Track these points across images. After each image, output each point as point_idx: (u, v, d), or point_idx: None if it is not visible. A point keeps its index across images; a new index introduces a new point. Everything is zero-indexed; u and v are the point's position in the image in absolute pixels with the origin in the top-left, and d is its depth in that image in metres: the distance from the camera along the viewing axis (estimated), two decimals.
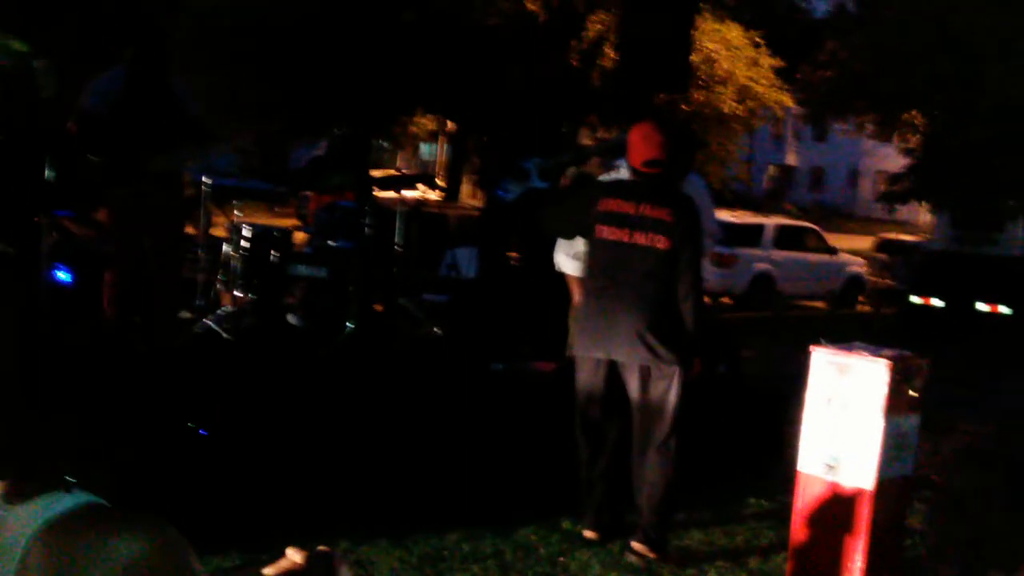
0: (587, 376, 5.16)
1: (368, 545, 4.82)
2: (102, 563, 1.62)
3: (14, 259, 6.51)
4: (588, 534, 5.20)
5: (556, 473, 5.46)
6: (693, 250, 4.96)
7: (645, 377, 4.99)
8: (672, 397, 4.98)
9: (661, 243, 4.91)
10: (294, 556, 1.83)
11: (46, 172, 6.36)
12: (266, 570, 1.83)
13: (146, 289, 6.37)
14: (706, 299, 9.31)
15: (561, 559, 4.97)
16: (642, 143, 5.02)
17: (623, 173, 5.29)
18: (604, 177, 5.54)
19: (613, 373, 5.08)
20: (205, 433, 5.01)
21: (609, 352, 5.04)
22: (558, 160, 7.17)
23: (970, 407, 9.11)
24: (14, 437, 1.77)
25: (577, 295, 5.60)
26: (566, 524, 5.35)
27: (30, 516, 1.70)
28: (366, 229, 7.18)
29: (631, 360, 4.99)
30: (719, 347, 7.40)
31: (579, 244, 5.38)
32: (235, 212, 7.44)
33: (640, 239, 4.94)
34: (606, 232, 5.02)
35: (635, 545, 5.02)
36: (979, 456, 7.34)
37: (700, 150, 25.58)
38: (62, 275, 7.15)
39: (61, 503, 1.70)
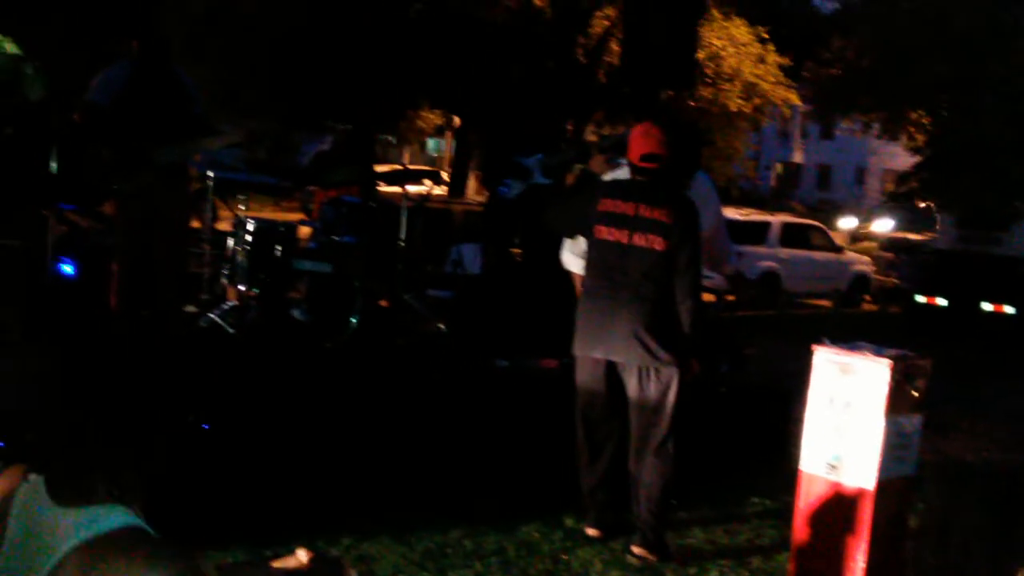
0: (587, 376, 5.16)
1: (370, 541, 4.82)
2: None
3: (20, 252, 6.53)
4: (590, 532, 5.21)
5: (559, 470, 5.46)
6: (691, 252, 4.94)
7: (642, 378, 4.98)
8: (670, 399, 4.97)
9: (658, 244, 4.90)
10: (302, 557, 1.84)
11: (52, 165, 6.38)
12: (274, 564, 1.85)
13: (151, 283, 6.38)
14: (711, 297, 9.31)
15: (563, 557, 4.98)
16: (640, 139, 5.02)
17: (625, 171, 5.28)
18: (608, 175, 5.52)
19: (612, 373, 5.08)
20: (207, 427, 5.02)
21: (607, 352, 5.04)
22: (561, 157, 7.17)
23: (973, 407, 9.10)
24: (61, 433, 1.77)
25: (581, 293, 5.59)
26: (569, 521, 5.35)
27: (71, 527, 1.70)
28: (370, 224, 7.19)
29: (628, 361, 4.99)
30: (722, 345, 7.41)
31: (584, 242, 5.37)
32: (240, 206, 7.45)
33: (639, 240, 4.93)
34: (605, 232, 5.02)
35: (635, 549, 5.02)
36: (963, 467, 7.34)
37: (706, 147, 25.55)
38: (67, 268, 7.18)
39: (102, 521, 1.71)
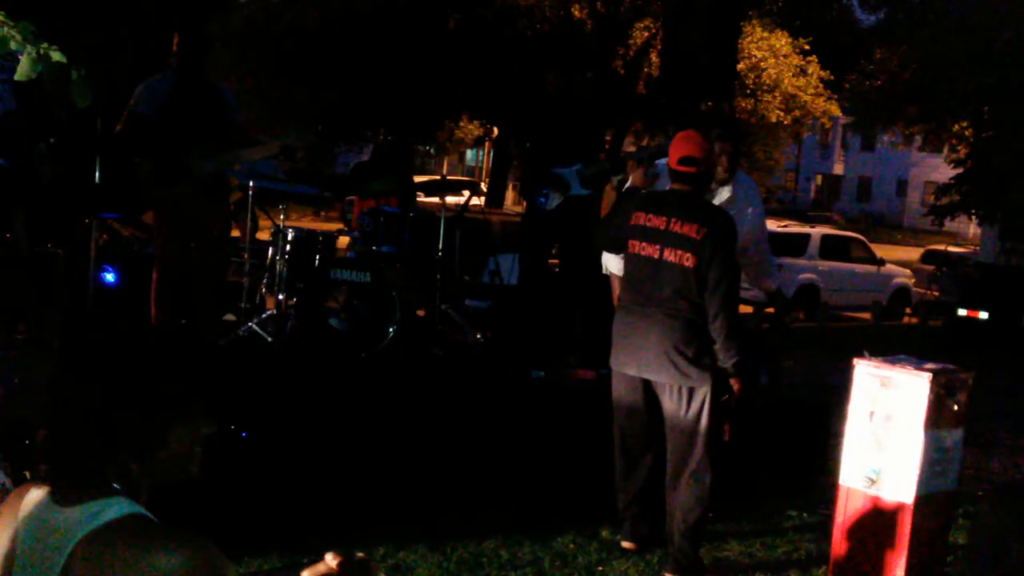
0: (623, 390, 5.12)
1: (406, 550, 4.84)
2: None
3: (63, 260, 6.61)
4: (626, 544, 5.18)
5: (596, 481, 5.45)
6: (722, 268, 4.77)
7: (676, 397, 4.89)
8: (703, 420, 4.85)
9: (688, 261, 4.78)
10: (331, 561, 1.85)
11: (95, 175, 6.46)
12: (304, 572, 1.86)
13: (191, 292, 6.43)
14: (748, 308, 9.25)
15: (599, 568, 4.97)
16: (680, 143, 4.94)
17: (666, 182, 5.25)
18: (649, 187, 5.49)
19: (648, 389, 5.01)
20: (246, 435, 5.05)
21: (640, 370, 4.98)
22: (599, 167, 7.14)
23: (1015, 421, 8.99)
24: (62, 439, 1.80)
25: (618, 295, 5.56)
26: (605, 533, 5.34)
27: (76, 522, 1.73)
28: (409, 234, 7.21)
29: (660, 379, 4.92)
30: (760, 357, 7.35)
31: None
32: (279, 216, 7.50)
33: (669, 256, 4.83)
34: (638, 247, 4.96)
35: (668, 575, 4.96)
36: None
37: (744, 157, 25.41)
38: (109, 276, 7.25)
39: (107, 512, 1.74)
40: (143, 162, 6.17)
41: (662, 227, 4.87)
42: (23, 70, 3.28)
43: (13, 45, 3.25)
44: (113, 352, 1.85)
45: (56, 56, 3.23)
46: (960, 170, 22.49)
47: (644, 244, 4.92)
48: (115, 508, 1.74)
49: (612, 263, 5.71)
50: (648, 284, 4.91)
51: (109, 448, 1.79)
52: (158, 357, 1.87)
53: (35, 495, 1.80)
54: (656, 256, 4.87)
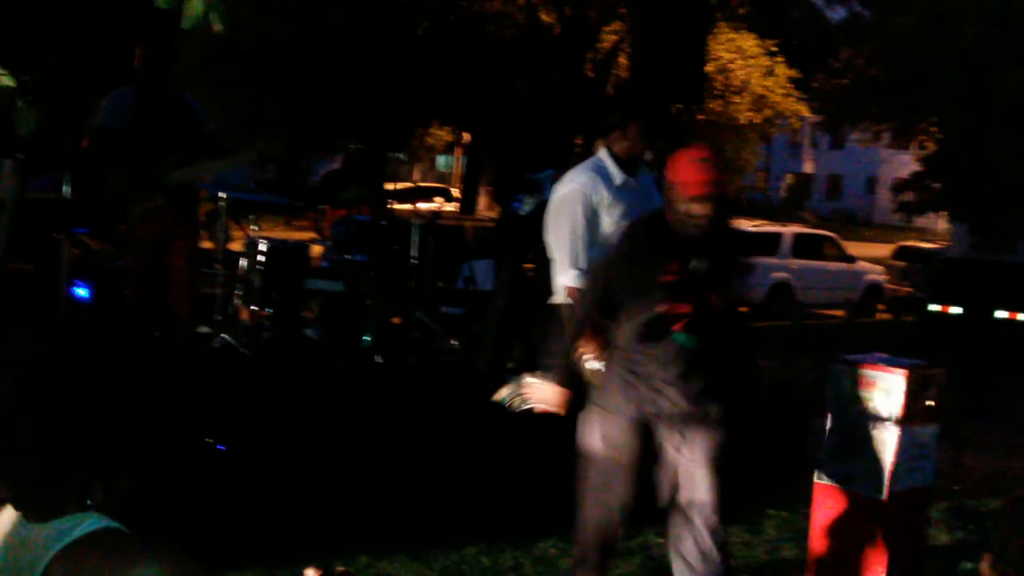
0: (617, 433, 4.26)
1: (387, 560, 4.83)
2: None
3: (34, 276, 6.56)
4: None
5: (574, 486, 5.44)
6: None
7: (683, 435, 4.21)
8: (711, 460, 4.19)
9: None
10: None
11: (64, 189, 6.41)
12: None
13: (164, 305, 6.39)
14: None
15: None
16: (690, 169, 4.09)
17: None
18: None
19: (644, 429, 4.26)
20: (223, 448, 5.02)
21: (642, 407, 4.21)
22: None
23: (988, 416, 9.07)
24: (35, 458, 1.79)
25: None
26: None
27: (50, 538, 1.72)
28: (382, 242, 7.20)
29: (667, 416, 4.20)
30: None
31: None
32: (252, 226, 7.47)
33: None
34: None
35: None
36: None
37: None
38: (81, 291, 7.20)
39: (80, 526, 1.73)
40: (112, 175, 6.13)
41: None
42: None
43: None
44: (70, 376, 1.84)
45: (5, 80, 3.19)
46: (921, 168, 22.60)
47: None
48: (88, 523, 1.73)
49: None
50: None
51: (64, 473, 1.78)
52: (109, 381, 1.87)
53: (9, 513, 1.79)
54: None
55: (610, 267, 4.34)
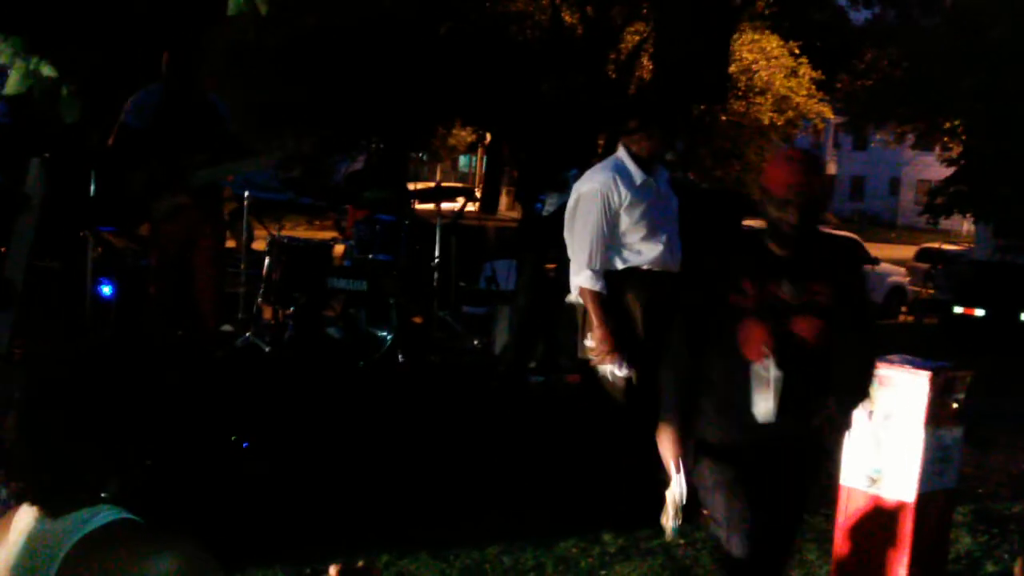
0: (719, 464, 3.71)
1: (409, 558, 4.83)
2: None
3: (60, 273, 6.60)
4: None
5: (597, 485, 5.44)
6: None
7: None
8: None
9: None
10: (332, 573, 1.85)
11: (90, 188, 6.46)
12: None
13: (187, 303, 6.42)
14: None
15: (602, 572, 4.96)
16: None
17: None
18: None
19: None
20: (247, 446, 5.05)
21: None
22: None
23: (1012, 419, 9.00)
24: (51, 452, 1.80)
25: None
26: (607, 537, 5.33)
27: (66, 531, 1.73)
28: (404, 242, 7.22)
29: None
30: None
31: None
32: (274, 226, 7.50)
33: None
34: None
35: None
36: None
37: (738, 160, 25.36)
38: (106, 289, 7.25)
39: (96, 519, 1.74)
40: (137, 174, 6.17)
41: None
42: (12, 85, 3.27)
43: (2, 60, 3.23)
44: (80, 373, 1.85)
45: (47, 71, 3.21)
46: (953, 168, 22.51)
47: None
48: (104, 515, 1.75)
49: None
50: None
51: (77, 468, 1.79)
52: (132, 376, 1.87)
53: (28, 510, 1.81)
54: None
55: (699, 285, 3.81)
